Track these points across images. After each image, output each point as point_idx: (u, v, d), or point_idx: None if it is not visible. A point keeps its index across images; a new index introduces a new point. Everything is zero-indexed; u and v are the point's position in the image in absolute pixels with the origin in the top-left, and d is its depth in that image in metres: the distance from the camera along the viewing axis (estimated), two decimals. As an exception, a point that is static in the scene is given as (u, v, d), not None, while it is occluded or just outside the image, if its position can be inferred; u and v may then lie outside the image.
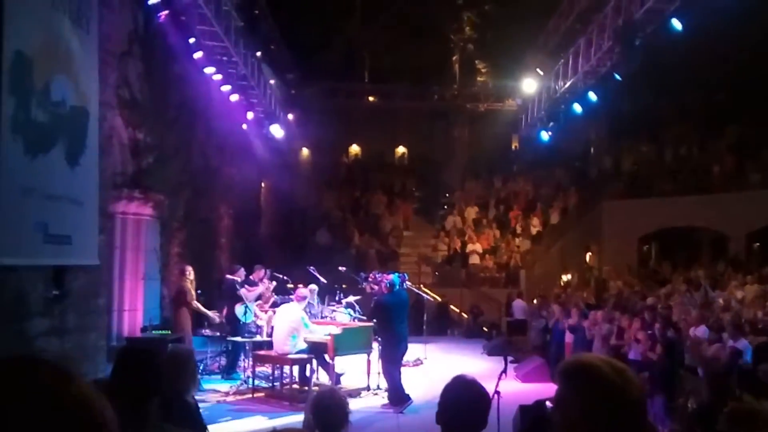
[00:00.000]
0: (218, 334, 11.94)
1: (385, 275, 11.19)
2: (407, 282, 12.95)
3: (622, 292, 17.05)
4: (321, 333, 10.48)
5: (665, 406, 8.50)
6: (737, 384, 6.61)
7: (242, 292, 11.62)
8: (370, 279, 13.75)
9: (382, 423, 9.11)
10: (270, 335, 10.87)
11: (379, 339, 10.51)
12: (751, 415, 4.30)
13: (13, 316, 7.05)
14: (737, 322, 10.83)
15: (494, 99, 25.96)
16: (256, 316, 11.60)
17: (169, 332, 10.72)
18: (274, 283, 12.55)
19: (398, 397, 9.81)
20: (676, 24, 12.66)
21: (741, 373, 7.89)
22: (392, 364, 10.10)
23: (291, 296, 11.43)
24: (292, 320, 10.32)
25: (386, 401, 10.07)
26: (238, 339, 11.47)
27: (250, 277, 12.40)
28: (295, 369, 10.62)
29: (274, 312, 11.32)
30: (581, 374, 1.84)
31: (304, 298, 10.67)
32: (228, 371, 11.74)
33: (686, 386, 7.88)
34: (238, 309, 11.46)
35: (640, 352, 10.23)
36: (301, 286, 11.44)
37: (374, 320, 10.74)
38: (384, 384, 10.44)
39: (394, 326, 10.15)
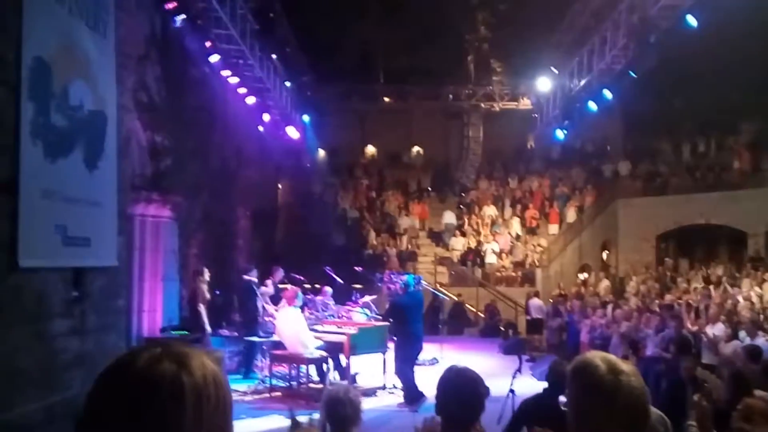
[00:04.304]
0: (236, 334, 12.05)
1: (400, 276, 11.25)
2: (423, 282, 13.02)
3: (639, 290, 17.00)
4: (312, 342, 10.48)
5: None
6: (763, 378, 6.56)
7: (261, 290, 11.76)
8: (385, 279, 13.83)
9: (398, 422, 9.14)
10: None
11: (394, 339, 10.56)
12: (763, 412, 4.31)
13: (34, 317, 7.17)
14: (755, 320, 10.79)
15: (509, 98, 25.91)
16: (269, 315, 11.67)
17: (188, 333, 10.83)
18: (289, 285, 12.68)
19: (413, 396, 9.86)
20: (692, 20, 12.62)
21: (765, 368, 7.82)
22: (405, 363, 10.13)
23: (307, 296, 11.54)
24: (296, 323, 10.37)
25: (401, 400, 10.12)
26: (255, 339, 11.57)
27: (271, 279, 12.59)
28: (312, 368, 10.69)
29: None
30: (578, 372, 1.88)
31: (295, 297, 10.69)
32: (246, 371, 11.85)
33: (702, 384, 7.85)
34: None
35: (657, 350, 10.21)
36: (289, 286, 11.53)
37: (390, 320, 10.80)
38: (399, 383, 10.50)
39: (408, 326, 10.22)
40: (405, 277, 10.91)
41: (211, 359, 1.21)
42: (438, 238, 24.11)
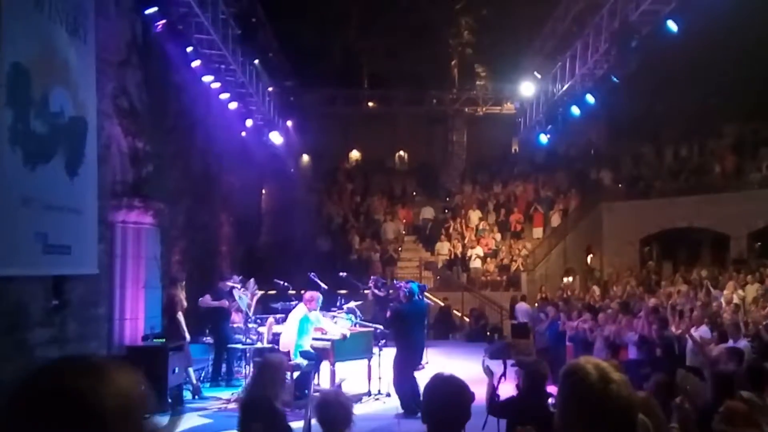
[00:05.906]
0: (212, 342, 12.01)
1: (403, 283, 11.03)
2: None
3: (623, 293, 17.06)
4: (337, 330, 10.42)
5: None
6: (745, 380, 6.59)
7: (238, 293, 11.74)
8: (370, 285, 13.78)
9: (385, 429, 9.08)
10: (270, 341, 10.84)
11: (396, 348, 10.25)
12: (744, 413, 4.32)
13: (14, 326, 7.09)
14: (737, 322, 10.84)
15: (493, 103, 26.00)
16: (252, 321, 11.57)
17: (166, 340, 10.71)
18: (259, 292, 12.60)
19: (411, 407, 9.41)
20: (672, 25, 12.71)
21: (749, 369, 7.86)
22: (403, 374, 9.80)
23: (292, 302, 11.42)
24: (294, 324, 10.28)
25: (390, 407, 9.97)
26: (239, 346, 11.48)
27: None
28: (296, 375, 10.58)
29: (275, 318, 11.37)
30: (568, 377, 1.88)
31: (311, 300, 10.46)
32: (227, 378, 11.76)
33: (686, 386, 7.88)
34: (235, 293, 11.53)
35: (640, 353, 10.23)
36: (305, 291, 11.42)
37: (391, 329, 10.58)
38: (385, 389, 10.40)
39: (410, 336, 9.97)
40: (410, 285, 10.63)
41: (119, 368, 1.24)
42: (419, 232, 24.18)
